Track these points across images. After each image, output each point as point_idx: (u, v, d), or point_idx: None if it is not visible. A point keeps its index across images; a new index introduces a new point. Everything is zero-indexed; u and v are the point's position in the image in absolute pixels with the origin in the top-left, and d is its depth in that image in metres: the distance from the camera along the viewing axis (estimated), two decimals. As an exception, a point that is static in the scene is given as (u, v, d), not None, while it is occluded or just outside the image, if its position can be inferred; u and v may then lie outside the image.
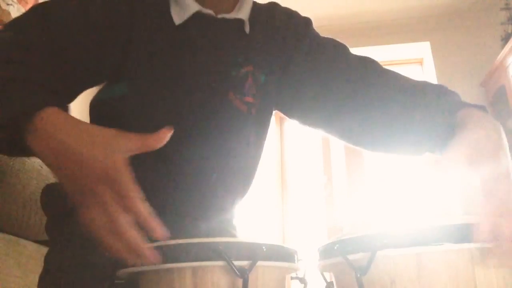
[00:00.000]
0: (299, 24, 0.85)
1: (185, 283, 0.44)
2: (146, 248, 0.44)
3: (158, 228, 0.44)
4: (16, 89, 0.49)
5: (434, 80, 3.36)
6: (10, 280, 1.07)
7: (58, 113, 0.48)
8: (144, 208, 0.44)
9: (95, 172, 0.44)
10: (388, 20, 3.37)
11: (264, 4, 0.87)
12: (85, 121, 0.53)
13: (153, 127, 0.67)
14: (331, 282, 0.51)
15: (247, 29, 0.78)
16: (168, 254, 0.45)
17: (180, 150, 0.71)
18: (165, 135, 0.48)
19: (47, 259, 0.72)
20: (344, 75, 0.78)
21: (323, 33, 0.87)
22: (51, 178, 1.28)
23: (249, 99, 0.77)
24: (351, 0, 3.13)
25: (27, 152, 0.49)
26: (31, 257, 1.19)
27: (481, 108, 0.63)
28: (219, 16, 0.76)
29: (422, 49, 3.48)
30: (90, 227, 0.44)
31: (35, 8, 0.67)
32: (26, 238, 1.20)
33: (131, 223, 0.44)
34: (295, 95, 0.81)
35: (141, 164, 0.68)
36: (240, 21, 0.78)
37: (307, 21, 0.87)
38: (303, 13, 0.90)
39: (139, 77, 0.71)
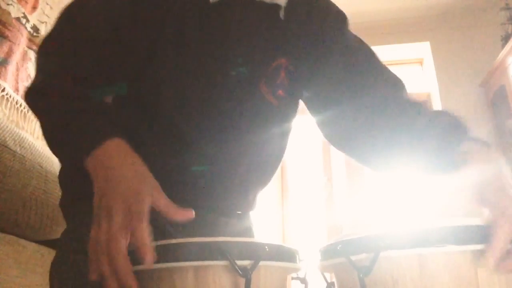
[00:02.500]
0: (337, 19, 0.82)
1: (187, 283, 0.44)
2: (131, 279, 0.46)
3: (148, 256, 0.45)
4: (82, 122, 0.58)
5: (434, 80, 3.36)
6: (10, 280, 1.07)
7: (117, 146, 0.55)
8: (145, 234, 0.46)
9: (123, 189, 0.49)
10: (388, 20, 3.37)
11: None
12: None
13: (183, 114, 0.68)
14: (332, 282, 0.50)
15: (282, 15, 0.75)
16: (170, 253, 0.45)
17: (208, 142, 0.69)
18: (188, 216, 0.51)
19: (62, 236, 0.71)
20: (372, 86, 0.76)
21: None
22: (51, 178, 1.27)
23: (280, 92, 0.74)
24: (351, 0, 3.13)
25: (80, 167, 0.56)
26: (31, 257, 1.18)
27: (484, 143, 0.61)
28: None
29: (422, 49, 3.48)
30: (90, 243, 0.48)
31: (66, 18, 0.70)
32: (26, 238, 1.20)
33: (125, 250, 0.47)
34: (320, 90, 0.79)
35: (166, 155, 0.67)
36: (277, 6, 0.75)
37: (344, 17, 0.84)
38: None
39: (170, 56, 0.69)
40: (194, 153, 0.69)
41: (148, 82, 0.69)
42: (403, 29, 3.41)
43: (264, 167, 0.79)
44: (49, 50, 0.69)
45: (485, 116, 3.16)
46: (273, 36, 0.75)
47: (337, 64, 0.78)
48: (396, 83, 0.78)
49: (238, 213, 0.78)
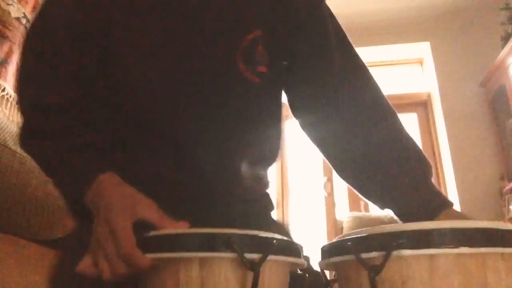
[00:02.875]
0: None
1: (191, 275, 0.43)
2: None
3: (145, 264, 0.46)
4: (77, 159, 0.60)
5: (434, 80, 3.36)
6: (10, 280, 1.07)
7: (108, 179, 0.57)
8: (134, 251, 0.47)
9: (109, 215, 0.51)
10: (388, 20, 3.37)
11: None
12: None
13: (160, 105, 0.66)
14: (331, 280, 0.50)
15: None
16: (175, 243, 0.44)
17: (190, 134, 0.65)
18: (184, 228, 0.52)
19: (68, 237, 0.72)
20: (345, 77, 0.75)
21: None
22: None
23: (262, 68, 0.69)
24: (351, 0, 3.13)
25: (81, 203, 0.58)
26: (31, 257, 1.18)
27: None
28: None
29: (422, 49, 3.48)
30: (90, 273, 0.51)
31: (29, 46, 0.69)
32: (26, 238, 1.20)
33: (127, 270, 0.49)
34: (297, 69, 0.77)
35: (154, 157, 0.66)
36: None
37: None
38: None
39: (136, 40, 0.65)
40: (179, 151, 0.66)
41: (118, 73, 0.66)
42: (403, 29, 3.41)
43: (260, 152, 0.74)
44: (24, 82, 0.69)
45: (485, 116, 3.16)
46: (244, 8, 0.70)
47: (312, 41, 0.76)
48: (371, 78, 0.77)
49: (254, 199, 0.73)
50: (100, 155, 0.62)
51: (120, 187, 0.56)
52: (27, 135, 0.66)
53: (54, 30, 0.67)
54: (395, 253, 0.38)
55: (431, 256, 0.38)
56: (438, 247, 0.37)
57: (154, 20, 0.66)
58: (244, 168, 0.71)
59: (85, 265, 0.51)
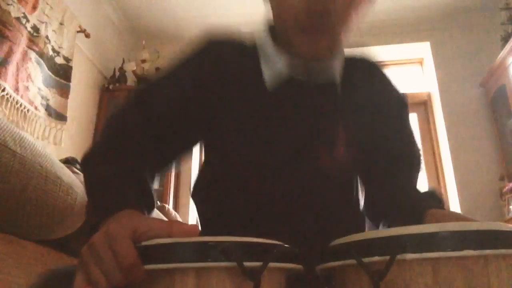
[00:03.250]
0: (397, 101, 0.86)
1: (188, 286, 0.41)
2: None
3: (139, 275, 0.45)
4: (109, 189, 0.64)
5: (434, 80, 3.36)
6: (10, 280, 1.07)
7: (130, 212, 0.58)
8: (129, 254, 0.45)
9: (104, 235, 0.49)
10: (388, 20, 3.37)
11: (359, 57, 0.86)
12: None
13: (249, 196, 0.75)
14: (331, 284, 0.50)
15: (339, 91, 0.78)
16: (170, 253, 0.42)
17: (277, 224, 0.72)
18: (194, 231, 0.49)
19: None
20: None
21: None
22: (51, 178, 1.27)
23: (342, 153, 0.76)
24: (351, 0, 3.13)
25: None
26: (31, 257, 1.18)
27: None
28: (310, 64, 0.76)
29: (422, 49, 3.49)
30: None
31: (136, 96, 0.79)
32: (26, 238, 1.20)
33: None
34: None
35: (250, 224, 0.72)
36: (332, 85, 0.78)
37: (404, 100, 0.86)
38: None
39: (230, 142, 0.75)
40: (273, 217, 0.73)
41: (213, 159, 0.79)
42: (403, 29, 3.42)
43: (345, 224, 0.78)
44: (114, 123, 0.77)
45: (485, 116, 3.16)
46: (331, 109, 0.79)
47: (388, 133, 0.82)
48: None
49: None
50: (138, 186, 0.66)
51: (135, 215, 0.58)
52: (90, 155, 0.73)
53: (168, 98, 0.76)
54: (398, 257, 0.37)
55: (434, 259, 0.38)
56: (442, 250, 0.37)
57: (254, 126, 0.76)
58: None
59: (80, 285, 0.48)
